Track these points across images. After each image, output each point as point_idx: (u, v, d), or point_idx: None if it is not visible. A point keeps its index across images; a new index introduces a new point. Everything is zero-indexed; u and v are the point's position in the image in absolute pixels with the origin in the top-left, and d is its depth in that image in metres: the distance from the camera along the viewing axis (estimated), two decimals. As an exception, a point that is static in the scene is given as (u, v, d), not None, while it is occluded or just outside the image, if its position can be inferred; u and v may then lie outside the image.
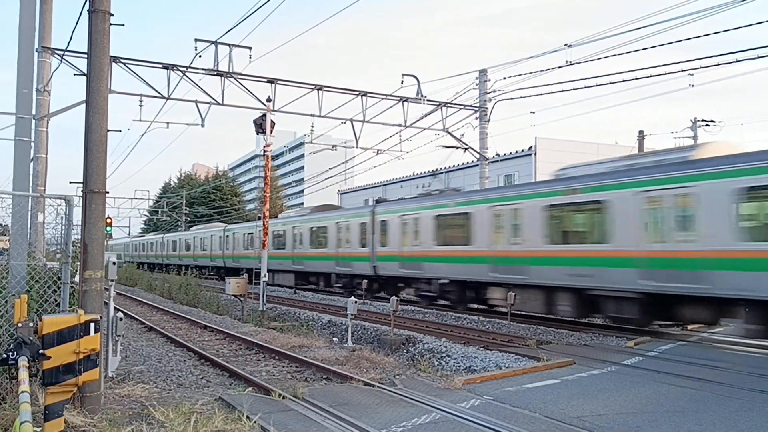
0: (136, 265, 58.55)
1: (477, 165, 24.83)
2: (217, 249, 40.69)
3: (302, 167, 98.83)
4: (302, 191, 76.48)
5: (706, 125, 29.56)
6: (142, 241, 66.07)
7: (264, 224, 20.28)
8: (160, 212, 64.43)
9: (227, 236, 38.93)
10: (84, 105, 7.19)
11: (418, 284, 20.37)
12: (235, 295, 19.89)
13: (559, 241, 14.80)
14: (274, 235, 31.18)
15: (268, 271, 30.00)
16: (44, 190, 14.63)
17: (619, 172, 13.67)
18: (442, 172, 41.62)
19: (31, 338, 5.34)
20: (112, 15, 7.20)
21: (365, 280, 23.28)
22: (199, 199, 65.47)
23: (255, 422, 6.53)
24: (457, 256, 18.06)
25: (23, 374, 4.80)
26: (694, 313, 12.36)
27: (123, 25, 10.81)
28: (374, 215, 22.71)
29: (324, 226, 26.89)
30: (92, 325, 5.47)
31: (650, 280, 12.44)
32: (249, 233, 35.15)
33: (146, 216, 74.27)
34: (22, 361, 5.08)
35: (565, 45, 18.36)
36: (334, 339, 14.55)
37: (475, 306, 18.71)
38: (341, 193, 58.08)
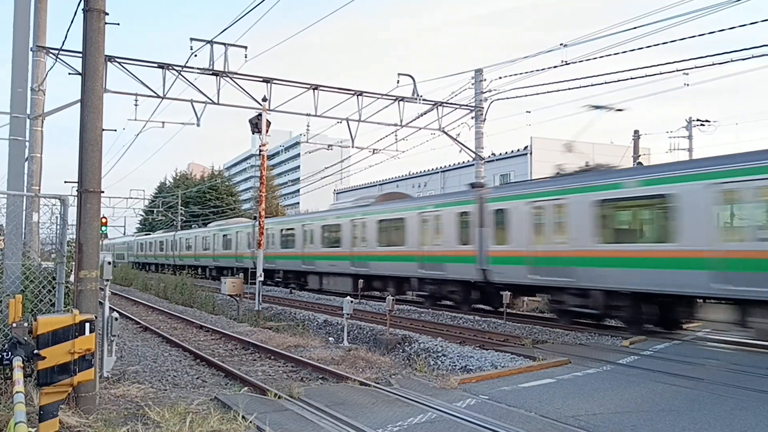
0: (143, 267, 55.87)
1: (472, 165, 24.85)
2: (245, 248, 35.60)
3: (298, 167, 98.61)
4: (298, 191, 76.52)
5: (701, 125, 29.69)
6: (149, 239, 60.31)
7: (260, 224, 20.25)
8: (155, 212, 64.21)
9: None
10: (79, 104, 7.17)
11: (559, 295, 15.27)
12: (230, 295, 19.87)
13: None
14: (324, 229, 26.74)
15: (315, 274, 28.57)
16: (39, 189, 14.59)
17: None
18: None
19: (25, 338, 5.33)
20: (107, 14, 7.19)
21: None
22: (195, 198, 65.39)
23: (251, 422, 6.53)
24: (640, 258, 13.03)
25: (18, 374, 4.79)
26: None
27: (118, 24, 10.85)
28: (483, 202, 17.79)
29: (400, 218, 21.64)
30: (87, 325, 5.46)
31: None
32: (289, 229, 30.25)
33: (142, 216, 74.32)
34: (17, 362, 5.07)
35: (561, 45, 18.40)
36: (330, 339, 14.54)
37: (658, 330, 13.72)
38: (337, 193, 58.09)
